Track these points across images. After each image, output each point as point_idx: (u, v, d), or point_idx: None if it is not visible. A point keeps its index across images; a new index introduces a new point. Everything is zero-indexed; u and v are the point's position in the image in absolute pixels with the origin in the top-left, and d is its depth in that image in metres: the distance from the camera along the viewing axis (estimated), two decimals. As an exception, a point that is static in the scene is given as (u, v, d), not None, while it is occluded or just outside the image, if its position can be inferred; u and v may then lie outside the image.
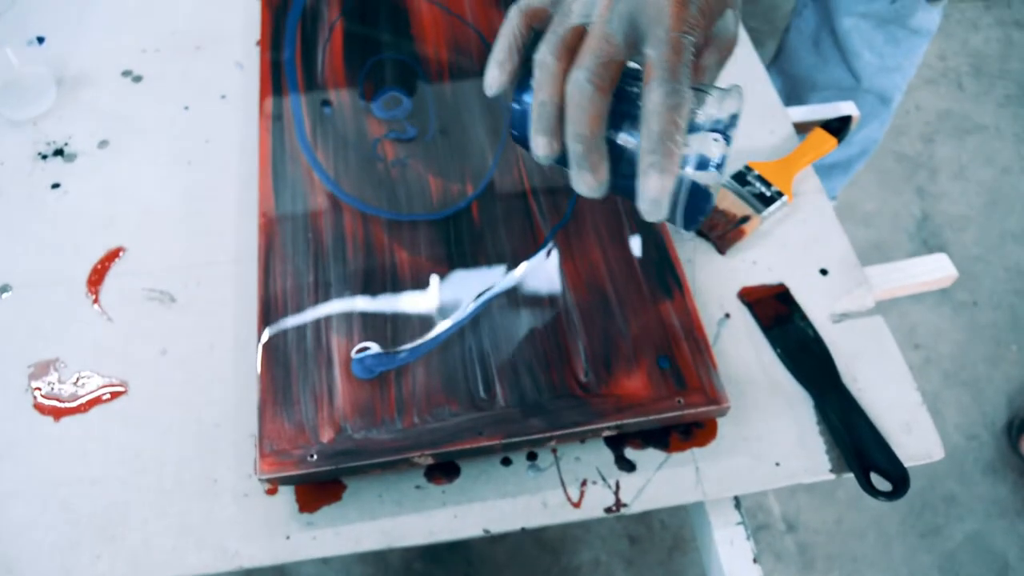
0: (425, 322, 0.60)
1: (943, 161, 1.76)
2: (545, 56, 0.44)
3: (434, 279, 0.62)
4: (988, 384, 1.47)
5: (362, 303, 0.61)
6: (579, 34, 0.44)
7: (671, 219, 0.46)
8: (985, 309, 1.55)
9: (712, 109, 0.44)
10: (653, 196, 0.43)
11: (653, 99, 0.42)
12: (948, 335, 1.52)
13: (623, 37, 0.43)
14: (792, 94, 1.33)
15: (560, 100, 0.44)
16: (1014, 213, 1.69)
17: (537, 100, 0.45)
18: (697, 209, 0.46)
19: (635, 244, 0.64)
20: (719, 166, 0.44)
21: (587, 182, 0.45)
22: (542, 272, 0.63)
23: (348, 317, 0.60)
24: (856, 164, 1.40)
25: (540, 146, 0.46)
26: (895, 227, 1.63)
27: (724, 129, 0.44)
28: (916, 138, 1.80)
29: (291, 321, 0.60)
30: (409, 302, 0.61)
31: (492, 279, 0.62)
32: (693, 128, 0.44)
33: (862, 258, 0.70)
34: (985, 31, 2.02)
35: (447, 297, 0.61)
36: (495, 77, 0.47)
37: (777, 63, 1.35)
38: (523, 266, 0.63)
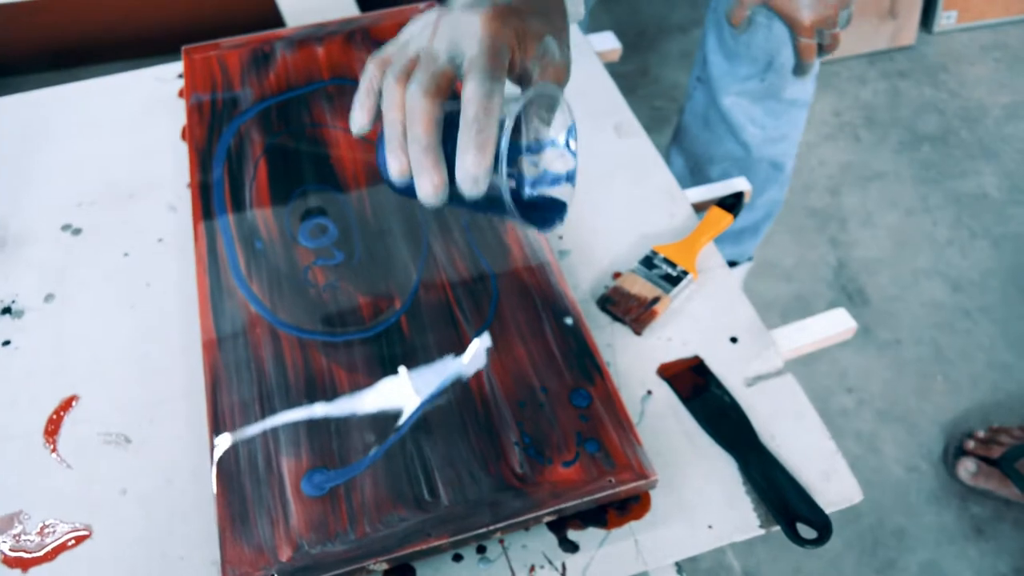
0: (367, 435, 0.64)
1: (851, 210, 1.87)
2: (388, 82, 0.51)
3: (372, 390, 0.67)
4: (921, 416, 1.54)
5: (310, 415, 0.65)
6: (415, 63, 0.52)
7: (532, 222, 0.53)
8: (908, 345, 1.63)
9: (552, 131, 0.54)
10: (472, 173, 0.48)
11: (467, 91, 0.48)
12: (877, 374, 1.59)
13: (446, 55, 0.51)
14: (694, 169, 1.42)
15: (403, 117, 0.50)
16: (922, 252, 1.79)
17: (386, 121, 0.51)
18: (552, 215, 0.55)
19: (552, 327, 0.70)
20: (570, 177, 0.54)
21: (425, 188, 0.50)
22: (471, 373, 0.68)
23: (296, 438, 0.64)
24: (764, 226, 1.48)
25: (393, 165, 0.51)
26: (814, 278, 1.71)
27: (567, 144, 0.54)
28: (823, 192, 1.90)
29: (242, 450, 0.64)
30: (352, 411, 0.65)
31: (426, 385, 0.67)
32: (540, 148, 0.54)
33: (787, 312, 0.76)
34: (873, 84, 2.15)
35: (387, 407, 0.66)
36: (358, 117, 0.54)
37: (677, 142, 1.45)
38: (453, 368, 0.68)
